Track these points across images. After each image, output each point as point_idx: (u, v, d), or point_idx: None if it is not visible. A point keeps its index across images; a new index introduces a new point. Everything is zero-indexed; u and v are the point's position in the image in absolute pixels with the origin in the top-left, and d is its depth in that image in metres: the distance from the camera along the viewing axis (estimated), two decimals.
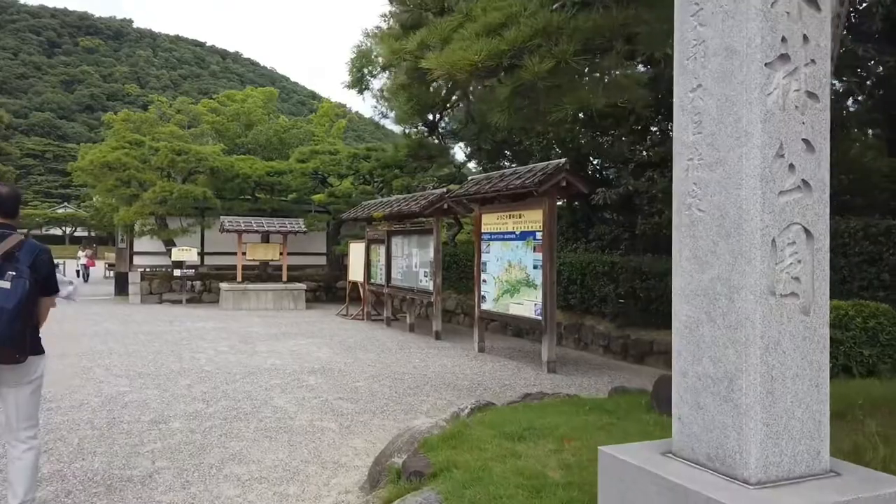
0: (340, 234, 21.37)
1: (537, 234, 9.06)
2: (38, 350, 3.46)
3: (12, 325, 3.14)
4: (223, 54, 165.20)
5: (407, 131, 17.05)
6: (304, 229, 18.75)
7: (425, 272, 12.64)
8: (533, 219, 9.18)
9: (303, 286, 18.61)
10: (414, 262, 13.13)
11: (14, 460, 3.42)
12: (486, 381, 7.97)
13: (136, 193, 18.36)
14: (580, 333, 11.30)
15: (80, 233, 57.72)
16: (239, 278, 18.38)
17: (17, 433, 3.43)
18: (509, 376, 8.39)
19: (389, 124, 21.08)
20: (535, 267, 9.07)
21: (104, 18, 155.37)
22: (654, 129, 12.97)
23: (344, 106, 36.39)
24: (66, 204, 64.08)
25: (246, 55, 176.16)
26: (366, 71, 14.94)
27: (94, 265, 31.62)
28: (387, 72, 16.97)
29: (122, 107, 47.76)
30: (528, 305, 9.17)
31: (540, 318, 8.88)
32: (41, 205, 64.92)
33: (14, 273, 3.18)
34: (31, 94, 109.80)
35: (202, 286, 19.70)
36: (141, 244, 20.13)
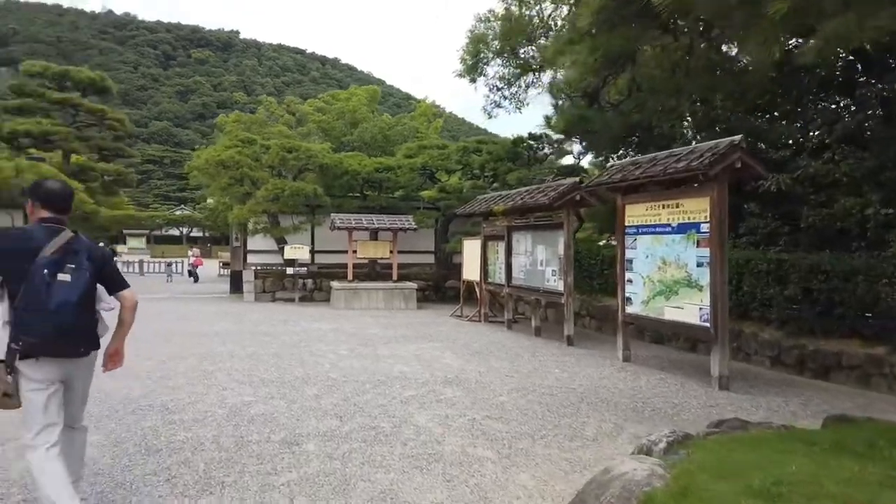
0: (449, 231, 20.60)
1: (702, 225, 7.71)
2: (98, 344, 3.43)
3: (79, 318, 3.13)
4: (322, 60, 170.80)
5: (558, 103, 15.86)
6: (414, 226, 18.09)
7: (553, 270, 11.50)
8: (695, 208, 7.84)
9: (414, 285, 17.96)
10: (539, 259, 12.03)
11: (69, 443, 3.37)
12: (651, 400, 6.75)
13: (249, 192, 18.37)
14: (739, 342, 9.77)
15: (195, 233, 60.58)
16: (349, 277, 17.97)
17: (76, 423, 3.45)
18: (674, 393, 7.11)
19: (502, 115, 20.00)
20: (699, 265, 7.74)
21: (214, 31, 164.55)
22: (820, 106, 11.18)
23: (439, 106, 35.86)
24: (182, 206, 67.74)
25: (344, 61, 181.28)
26: (482, 54, 14.00)
27: (201, 264, 31.49)
28: (500, 58, 16.01)
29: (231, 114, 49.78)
30: (690, 310, 7.84)
31: (708, 325, 7.54)
32: (160, 207, 69.08)
33: (73, 266, 3.13)
34: (150, 104, 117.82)
35: (313, 284, 19.51)
36: (254, 242, 20.23)
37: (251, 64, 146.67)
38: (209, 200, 33.93)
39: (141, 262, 33.47)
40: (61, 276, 3.07)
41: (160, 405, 5.90)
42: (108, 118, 22.61)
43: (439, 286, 20.44)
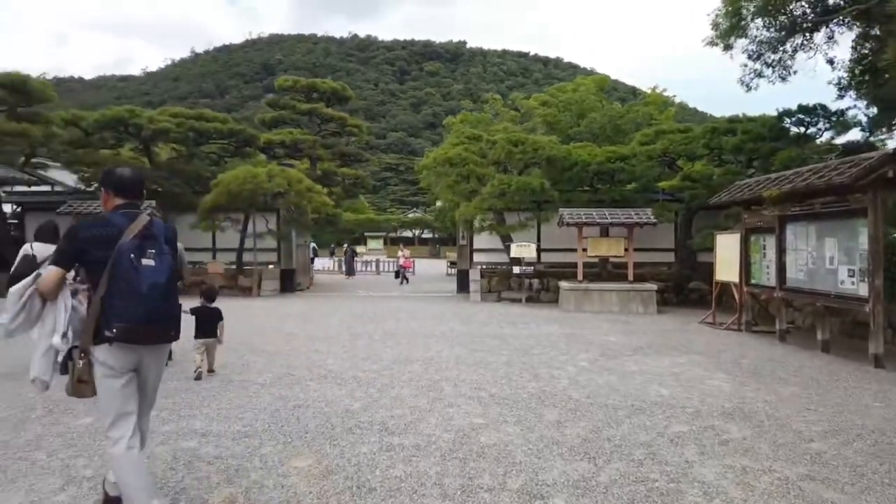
0: (693, 225, 18.11)
1: None
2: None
3: (170, 301, 3.10)
4: (545, 61, 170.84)
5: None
6: (654, 220, 16.04)
7: (851, 270, 8.89)
8: None
9: (654, 287, 15.93)
10: (828, 256, 9.44)
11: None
12: None
13: (475, 189, 17.89)
14: None
15: (426, 235, 63.74)
16: (579, 277, 16.53)
17: (145, 416, 3.36)
18: None
19: (763, 85, 16.98)
20: None
21: (443, 43, 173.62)
22: None
23: (669, 96, 32.44)
24: (415, 209, 72.03)
25: (566, 60, 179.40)
26: (743, 12, 11.63)
27: (410, 266, 28.30)
28: (763, 17, 13.37)
29: None
30: None
31: None
32: (396, 210, 74.21)
33: (154, 251, 3.09)
34: (388, 117, 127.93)
35: (540, 284, 18.45)
36: (480, 241, 19.80)
37: (477, 71, 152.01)
38: (438, 203, 34.99)
39: (377, 262, 35.49)
40: (145, 261, 3.03)
41: (379, 423, 5.10)
42: (349, 125, 24.09)
43: (681, 288, 18.06)
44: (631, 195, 18.02)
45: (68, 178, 21.66)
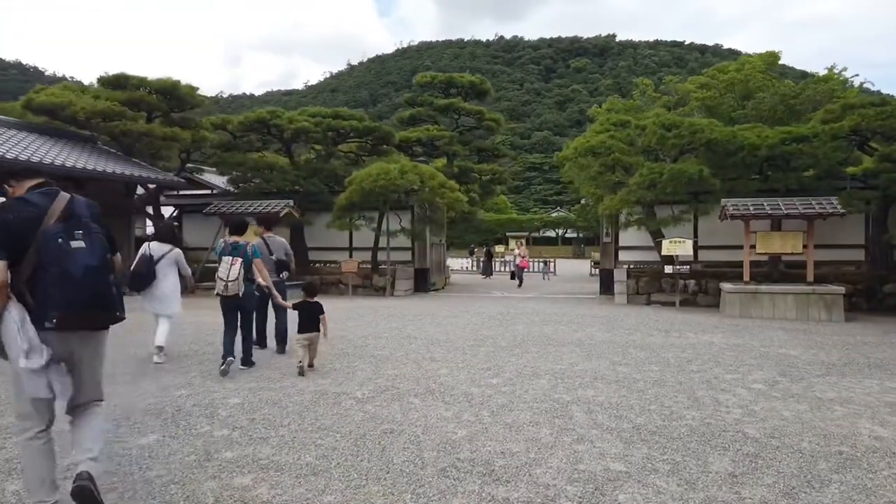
0: (888, 216, 15.02)
1: None
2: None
3: (104, 281, 2.94)
4: (702, 49, 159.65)
5: None
6: (841, 210, 13.38)
7: None
8: None
9: (840, 289, 13.30)
10: None
11: (84, 419, 3.14)
12: None
13: (621, 180, 16.14)
14: None
15: (570, 234, 61.67)
16: (746, 277, 14.25)
17: (88, 399, 3.16)
18: None
19: None
20: None
21: (591, 38, 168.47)
22: None
23: (849, 79, 27.25)
24: (558, 208, 70.07)
25: (726, 46, 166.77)
26: None
27: (527, 266, 24.51)
28: None
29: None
30: None
31: None
32: (539, 210, 72.62)
33: (82, 231, 2.93)
34: (533, 116, 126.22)
35: (696, 286, 16.29)
36: (626, 237, 17.96)
37: (626, 65, 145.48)
38: (582, 201, 33.05)
39: (547, 262, 34.24)
40: (75, 244, 2.87)
41: (484, 462, 3.93)
42: (486, 119, 23.18)
43: (874, 291, 15.05)
44: (811, 183, 15.30)
45: (220, 181, 22.83)
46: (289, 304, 7.36)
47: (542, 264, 31.87)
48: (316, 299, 7.10)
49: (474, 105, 23.03)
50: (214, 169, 22.07)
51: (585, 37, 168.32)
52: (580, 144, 16.94)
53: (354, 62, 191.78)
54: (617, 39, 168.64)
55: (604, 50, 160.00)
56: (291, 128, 18.33)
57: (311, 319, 6.85)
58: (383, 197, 17.50)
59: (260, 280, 7.11)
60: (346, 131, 19.32)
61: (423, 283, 19.76)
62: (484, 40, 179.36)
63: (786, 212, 13.63)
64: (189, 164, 20.90)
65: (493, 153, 24.28)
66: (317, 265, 20.37)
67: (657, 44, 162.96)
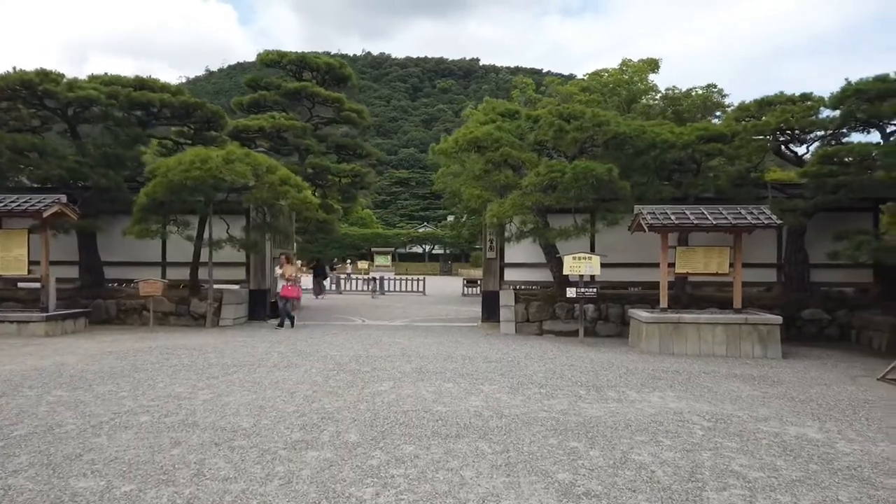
0: (807, 232, 13.07)
1: None
2: None
3: None
4: (560, 79, 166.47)
5: None
6: (777, 221, 10.99)
7: None
8: None
9: (777, 319, 10.86)
10: None
11: None
12: None
13: (512, 181, 12.95)
14: None
15: (437, 250, 59.14)
16: (663, 303, 11.50)
17: None
18: None
19: None
20: None
21: (456, 60, 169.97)
22: None
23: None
24: (426, 224, 67.50)
25: (580, 76, 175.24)
26: None
27: (293, 296, 14.35)
28: None
29: None
30: None
31: None
32: (406, 225, 69.54)
33: None
34: (400, 133, 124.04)
35: (595, 312, 13.44)
36: (514, 252, 14.79)
37: (489, 88, 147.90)
38: (450, 218, 30.27)
39: (381, 279, 30.35)
40: None
41: None
42: (346, 109, 19.23)
43: (792, 318, 12.93)
44: (730, 190, 12.95)
45: None
46: None
47: (373, 281, 28.27)
48: None
49: (333, 92, 19.03)
50: None
51: (451, 58, 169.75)
52: (462, 136, 13.58)
53: (213, 68, 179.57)
54: (481, 63, 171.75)
55: (468, 72, 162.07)
56: (72, 97, 13.30)
57: None
58: (203, 195, 13.04)
59: None
60: (155, 108, 14.51)
61: (261, 308, 15.36)
62: (352, 55, 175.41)
63: (714, 222, 10.99)
64: None
65: (355, 151, 20.39)
66: (115, 285, 15.29)
67: (518, 70, 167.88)
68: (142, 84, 14.37)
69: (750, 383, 7.85)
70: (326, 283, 30.48)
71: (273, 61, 19.27)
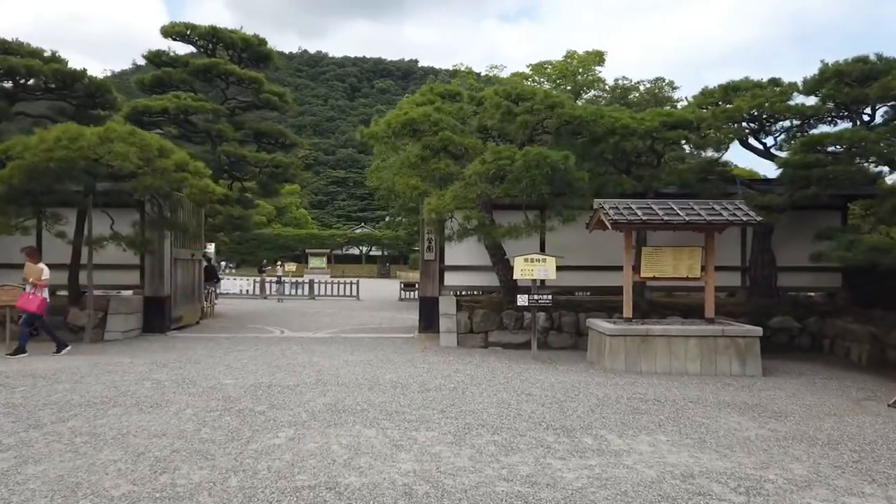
0: (775, 231, 11.85)
1: None
2: None
3: None
4: (495, 81, 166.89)
5: None
6: (756, 218, 9.59)
7: None
8: None
9: (757, 330, 9.50)
10: None
11: None
12: None
13: (453, 170, 11.15)
14: None
15: (374, 252, 57.14)
16: (627, 312, 9.94)
17: None
18: None
19: None
20: None
21: (395, 61, 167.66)
22: None
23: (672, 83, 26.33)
24: (363, 225, 65.38)
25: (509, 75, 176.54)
26: None
27: (34, 310, 9.83)
28: None
29: None
30: None
31: None
32: (343, 226, 67.07)
33: None
34: (338, 133, 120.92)
35: (547, 321, 11.83)
36: (455, 254, 12.98)
37: (426, 89, 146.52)
38: (387, 218, 28.42)
39: (311, 283, 28.08)
40: None
41: None
42: (266, 91, 16.97)
43: (760, 325, 11.61)
44: (696, 184, 11.54)
45: None
46: None
47: (278, 284, 26.47)
48: None
49: (250, 72, 16.73)
50: None
51: (390, 59, 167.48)
52: (395, 118, 11.69)
53: (141, 62, 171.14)
54: (419, 65, 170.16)
55: (407, 73, 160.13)
56: None
57: None
58: (78, 182, 10.67)
59: None
60: (22, 77, 11.94)
61: (159, 318, 13.00)
62: (288, 52, 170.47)
63: (687, 219, 9.49)
64: None
65: (277, 140, 18.12)
66: None
67: (457, 73, 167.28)
68: (5, 48, 11.78)
69: (749, 416, 6.30)
70: (239, 285, 28.00)
71: (179, 34, 16.74)
